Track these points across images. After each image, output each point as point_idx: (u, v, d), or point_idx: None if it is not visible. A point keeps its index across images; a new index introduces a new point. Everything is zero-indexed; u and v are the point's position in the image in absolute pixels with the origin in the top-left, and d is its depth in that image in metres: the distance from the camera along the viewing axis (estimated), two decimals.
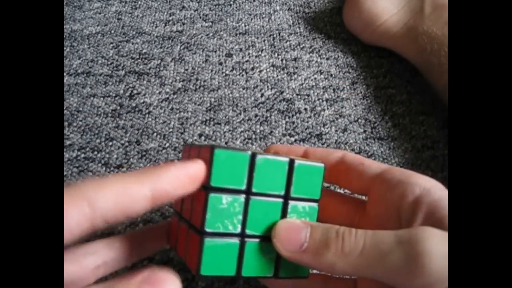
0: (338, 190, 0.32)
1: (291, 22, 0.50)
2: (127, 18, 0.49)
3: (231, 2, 0.53)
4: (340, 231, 0.20)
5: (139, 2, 0.52)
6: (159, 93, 0.40)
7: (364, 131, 0.38)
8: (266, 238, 0.21)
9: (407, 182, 0.21)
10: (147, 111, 0.39)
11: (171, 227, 0.24)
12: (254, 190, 0.20)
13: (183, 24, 0.49)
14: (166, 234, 0.24)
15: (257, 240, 0.21)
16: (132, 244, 0.22)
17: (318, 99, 0.41)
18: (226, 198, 0.20)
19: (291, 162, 0.21)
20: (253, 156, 0.20)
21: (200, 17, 0.50)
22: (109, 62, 0.43)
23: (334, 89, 0.42)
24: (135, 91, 0.40)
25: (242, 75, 0.43)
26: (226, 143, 0.36)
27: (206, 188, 0.19)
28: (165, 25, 0.49)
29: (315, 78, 0.43)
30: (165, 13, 0.50)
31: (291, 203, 0.21)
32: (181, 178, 0.19)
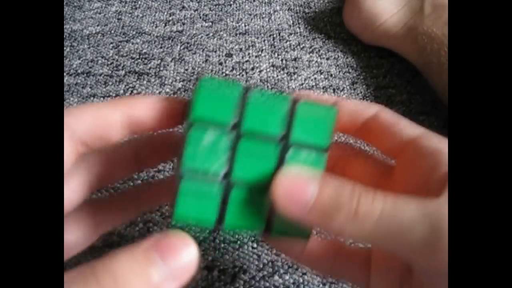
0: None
1: (291, 22, 0.50)
2: (127, 18, 0.49)
3: (231, 2, 0.53)
4: (355, 191, 0.17)
5: (139, 2, 0.52)
6: (159, 93, 0.40)
7: None
8: (258, 187, 0.17)
9: (442, 152, 0.19)
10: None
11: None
12: (245, 127, 0.17)
13: (183, 24, 0.49)
14: (164, 188, 0.23)
15: (246, 188, 0.17)
16: (125, 203, 0.22)
17: None
18: (209, 134, 0.17)
19: (294, 101, 0.17)
20: (247, 88, 0.17)
21: (200, 17, 0.50)
22: (109, 62, 0.43)
23: (334, 89, 0.42)
24: (135, 91, 0.40)
25: (242, 75, 0.43)
26: None
27: (187, 121, 0.17)
28: (165, 25, 0.49)
29: (315, 78, 0.43)
30: (165, 13, 0.50)
31: (292, 148, 0.18)
32: (155, 108, 0.18)
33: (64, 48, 0.44)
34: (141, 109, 0.18)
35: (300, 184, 0.17)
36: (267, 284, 0.28)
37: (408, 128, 0.21)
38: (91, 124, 0.17)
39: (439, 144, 0.20)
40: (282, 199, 0.16)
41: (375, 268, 0.22)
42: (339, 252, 0.22)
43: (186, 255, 0.15)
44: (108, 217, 0.22)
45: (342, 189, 0.17)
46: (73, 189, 0.19)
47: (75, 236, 0.19)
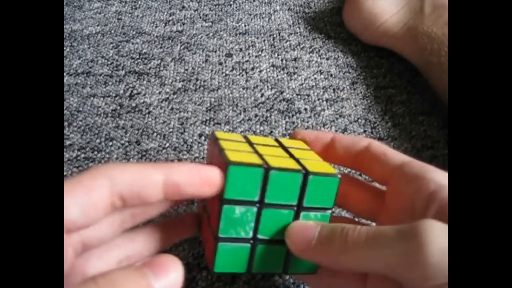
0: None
1: (291, 22, 0.50)
2: (127, 18, 0.49)
3: (231, 2, 0.53)
4: (345, 228, 0.20)
5: (139, 2, 0.52)
6: (159, 93, 0.40)
7: (364, 131, 0.38)
8: (277, 241, 0.22)
9: (423, 177, 0.22)
10: (147, 111, 0.39)
11: (200, 214, 0.25)
12: (266, 201, 0.21)
13: (183, 24, 0.49)
14: (194, 223, 0.25)
15: (268, 243, 0.22)
16: (155, 236, 0.23)
17: (318, 99, 0.41)
18: (239, 209, 0.21)
19: (305, 175, 0.21)
20: (267, 170, 0.21)
21: (200, 17, 0.50)
22: (109, 62, 0.43)
23: (334, 89, 0.42)
24: (135, 91, 0.40)
25: (242, 75, 0.43)
26: None
27: (220, 199, 0.20)
28: (165, 25, 0.49)
29: (315, 78, 0.43)
30: (165, 13, 0.50)
31: (303, 212, 0.22)
32: (194, 176, 0.19)
33: (64, 48, 0.44)
34: (179, 176, 0.19)
35: (306, 229, 0.21)
36: (267, 284, 0.28)
37: (395, 157, 0.24)
38: (133, 180, 0.18)
39: (421, 169, 0.22)
40: (293, 241, 0.21)
41: (371, 284, 0.23)
42: (335, 276, 0.24)
43: (174, 271, 0.17)
44: (135, 248, 0.22)
45: (335, 229, 0.21)
46: (104, 229, 0.20)
47: (102, 232, 0.20)
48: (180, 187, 0.19)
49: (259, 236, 0.22)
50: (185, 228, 0.25)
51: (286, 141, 0.26)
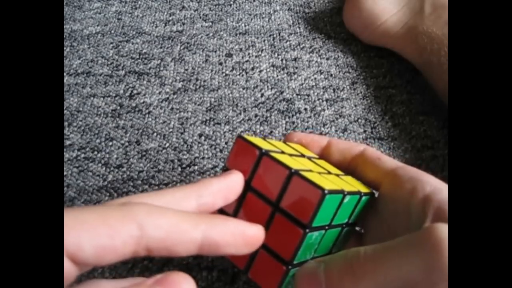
0: None
1: (291, 22, 0.50)
2: (127, 18, 0.49)
3: (231, 2, 0.53)
4: (348, 257, 0.19)
5: (139, 2, 0.52)
6: (159, 93, 0.40)
7: (364, 131, 0.38)
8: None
9: (418, 179, 0.22)
10: (147, 111, 0.39)
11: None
12: (333, 223, 0.21)
13: (183, 24, 0.49)
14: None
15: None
16: None
17: (318, 99, 0.41)
18: (315, 234, 0.20)
19: (360, 196, 0.23)
20: (344, 195, 0.21)
21: (200, 17, 0.50)
22: (109, 62, 0.43)
23: (334, 89, 0.42)
24: (135, 91, 0.40)
25: (242, 75, 0.43)
26: (226, 143, 0.36)
27: (303, 226, 0.19)
28: (165, 25, 0.49)
29: (315, 78, 0.43)
30: (165, 13, 0.50)
31: (345, 228, 0.23)
32: (236, 236, 0.18)
33: (64, 48, 0.44)
34: (221, 235, 0.17)
35: (312, 277, 0.20)
36: None
37: (388, 162, 0.24)
38: (168, 236, 0.16)
39: (416, 173, 0.23)
40: None
41: None
42: None
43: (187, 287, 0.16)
44: None
45: (339, 263, 0.19)
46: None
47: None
48: (218, 246, 0.17)
49: (315, 255, 0.22)
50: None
51: (299, 148, 0.25)
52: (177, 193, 0.18)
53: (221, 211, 0.22)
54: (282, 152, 0.22)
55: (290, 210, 0.20)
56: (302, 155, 0.24)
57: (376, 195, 0.25)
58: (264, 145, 0.22)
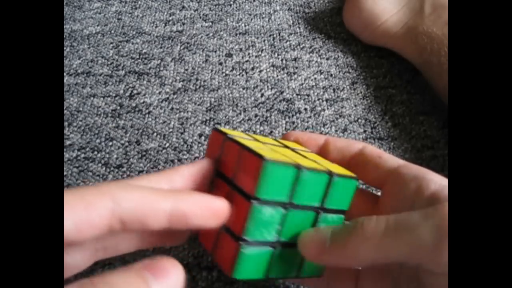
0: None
1: (291, 22, 0.50)
2: (127, 18, 0.49)
3: (231, 2, 0.53)
4: (359, 221, 0.19)
5: (139, 2, 0.52)
6: (159, 93, 0.40)
7: (364, 131, 0.38)
8: (294, 244, 0.21)
9: (423, 178, 0.21)
10: (147, 111, 0.39)
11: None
12: (294, 202, 0.20)
13: (183, 24, 0.49)
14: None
15: (286, 246, 0.21)
16: (135, 233, 0.21)
17: (318, 99, 0.41)
18: (267, 210, 0.20)
19: (330, 176, 0.21)
20: (299, 169, 0.20)
21: (200, 17, 0.50)
22: (109, 62, 0.43)
23: (334, 89, 0.42)
24: (135, 91, 0.40)
25: (242, 75, 0.43)
26: None
27: (249, 197, 0.19)
28: (165, 25, 0.49)
29: (315, 78, 0.43)
30: (165, 13, 0.50)
31: (322, 214, 0.22)
32: (202, 208, 0.19)
33: (64, 48, 0.44)
34: (187, 206, 0.18)
35: (317, 233, 0.21)
36: (267, 284, 0.28)
37: (389, 160, 0.24)
38: (139, 206, 0.17)
39: (420, 171, 0.22)
40: (307, 249, 0.21)
41: (365, 280, 0.23)
42: (329, 281, 0.25)
43: (175, 274, 0.16)
44: (109, 245, 0.21)
45: (349, 224, 0.20)
46: (81, 255, 0.19)
47: (73, 259, 0.19)
48: (186, 218, 0.18)
49: (282, 239, 0.21)
50: (160, 236, 0.22)
51: (286, 143, 0.25)
52: (151, 177, 0.19)
53: None
54: (256, 141, 0.23)
55: (240, 184, 0.20)
56: (286, 147, 0.24)
57: (380, 193, 0.24)
58: (237, 134, 0.23)
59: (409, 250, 0.18)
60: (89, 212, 0.16)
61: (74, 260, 0.19)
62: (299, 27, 0.49)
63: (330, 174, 0.21)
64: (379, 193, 0.25)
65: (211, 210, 0.19)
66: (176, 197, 0.18)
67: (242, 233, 0.19)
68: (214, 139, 0.23)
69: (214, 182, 0.22)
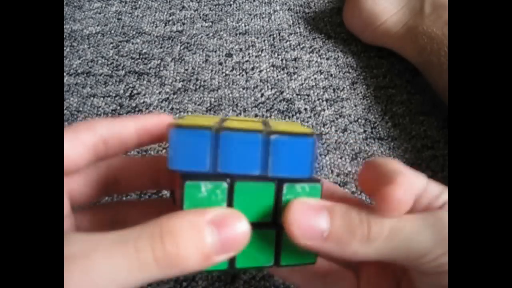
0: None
1: (291, 22, 0.50)
2: (127, 18, 0.49)
3: (231, 2, 0.53)
4: (363, 215, 0.18)
5: (139, 2, 0.52)
6: (159, 93, 0.40)
7: (364, 131, 0.38)
8: (261, 225, 0.18)
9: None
10: (147, 111, 0.39)
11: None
12: (230, 172, 0.18)
13: (183, 24, 0.49)
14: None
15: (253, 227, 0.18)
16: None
17: (318, 99, 0.41)
18: (205, 186, 0.17)
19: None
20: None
21: (200, 17, 0.50)
22: (109, 62, 0.43)
23: (334, 89, 0.42)
24: (135, 91, 0.40)
25: (242, 75, 0.43)
26: None
27: (181, 175, 0.17)
28: (165, 25, 0.49)
29: (315, 78, 0.43)
30: (165, 13, 0.50)
31: (287, 184, 0.18)
32: (160, 122, 0.21)
33: (64, 48, 0.44)
34: (152, 122, 0.21)
35: (312, 216, 0.18)
36: (267, 284, 0.28)
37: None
38: (109, 127, 0.20)
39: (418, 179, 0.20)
40: (298, 235, 0.18)
41: (365, 282, 0.23)
42: (326, 276, 0.24)
43: (240, 229, 0.17)
44: (119, 179, 0.23)
45: (350, 216, 0.18)
46: (82, 185, 0.21)
47: (78, 185, 0.21)
48: (150, 133, 0.21)
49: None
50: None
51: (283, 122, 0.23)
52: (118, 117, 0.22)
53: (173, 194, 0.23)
54: (222, 120, 0.20)
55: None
56: (263, 123, 0.20)
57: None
58: (204, 116, 0.22)
59: (408, 257, 0.18)
60: (77, 135, 0.19)
61: (79, 186, 0.21)
62: (299, 27, 0.49)
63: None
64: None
65: (163, 123, 0.21)
66: (139, 117, 0.21)
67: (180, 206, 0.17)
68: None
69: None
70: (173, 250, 0.15)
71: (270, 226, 0.18)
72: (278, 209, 0.18)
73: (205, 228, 0.16)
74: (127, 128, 0.21)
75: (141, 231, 0.16)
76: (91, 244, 0.15)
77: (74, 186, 0.21)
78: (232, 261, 0.18)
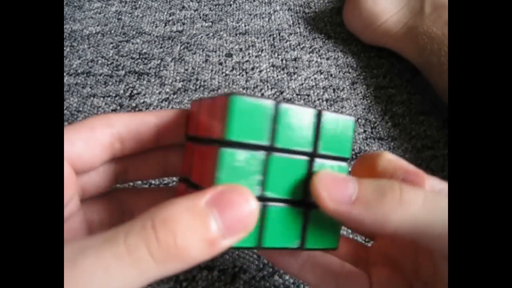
0: None
1: (291, 22, 0.50)
2: (127, 18, 0.49)
3: (231, 2, 0.53)
4: (394, 182, 0.17)
5: (139, 2, 0.52)
6: (159, 93, 0.40)
7: (364, 131, 0.38)
8: (290, 201, 0.18)
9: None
10: (147, 111, 0.39)
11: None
12: (276, 145, 0.17)
13: (183, 24, 0.49)
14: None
15: (279, 204, 0.18)
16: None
17: (318, 99, 0.41)
18: (241, 154, 0.16)
19: (319, 113, 0.18)
20: (277, 105, 0.17)
21: (200, 17, 0.50)
22: (109, 62, 0.43)
23: (334, 89, 0.42)
24: (135, 91, 0.40)
25: (242, 75, 0.43)
26: None
27: (218, 142, 0.16)
28: (165, 25, 0.49)
29: (315, 78, 0.43)
30: (165, 13, 0.50)
31: (318, 161, 0.18)
32: (181, 117, 0.21)
33: (64, 48, 0.44)
34: (171, 115, 0.20)
35: (340, 181, 0.17)
36: (267, 284, 0.28)
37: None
38: (129, 121, 0.19)
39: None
40: (325, 197, 0.17)
41: (377, 282, 0.22)
42: (338, 280, 0.23)
43: (246, 208, 0.15)
44: (129, 169, 0.22)
45: (381, 181, 0.17)
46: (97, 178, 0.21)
47: (91, 178, 0.21)
48: (172, 131, 0.20)
49: (268, 194, 0.17)
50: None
51: None
52: (138, 112, 0.21)
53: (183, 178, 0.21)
54: None
55: (210, 134, 0.18)
56: None
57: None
58: None
59: (442, 233, 0.17)
60: (93, 133, 0.19)
61: (90, 178, 0.21)
62: (299, 27, 0.49)
63: (318, 111, 0.18)
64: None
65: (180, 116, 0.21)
66: (158, 112, 0.20)
67: (216, 183, 0.16)
68: (193, 109, 0.21)
69: (186, 148, 0.21)
70: (170, 240, 0.14)
71: (300, 206, 0.18)
72: (309, 186, 0.18)
73: (205, 210, 0.14)
74: (147, 125, 0.20)
75: (131, 225, 0.14)
76: (76, 248, 0.13)
77: (86, 179, 0.20)
78: (260, 239, 0.17)
